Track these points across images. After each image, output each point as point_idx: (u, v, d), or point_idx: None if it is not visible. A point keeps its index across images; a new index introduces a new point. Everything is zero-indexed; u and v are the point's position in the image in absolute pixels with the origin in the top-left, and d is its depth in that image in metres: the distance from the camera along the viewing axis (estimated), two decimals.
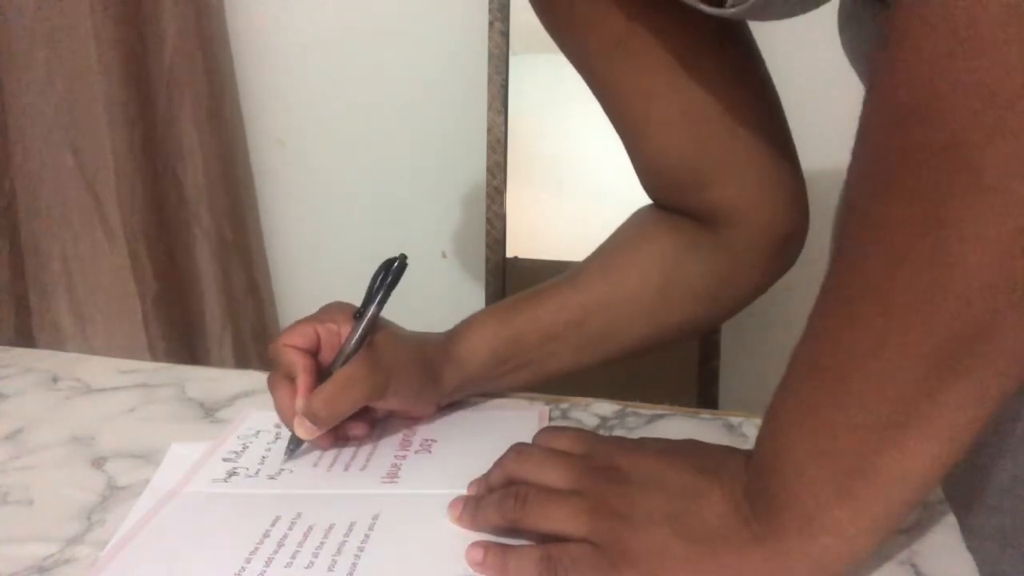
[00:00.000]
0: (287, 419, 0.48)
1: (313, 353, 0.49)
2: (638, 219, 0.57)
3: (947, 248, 0.28)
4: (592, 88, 0.51)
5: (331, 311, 0.51)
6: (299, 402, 0.47)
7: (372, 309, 0.48)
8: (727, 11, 0.39)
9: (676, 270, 0.54)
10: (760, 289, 0.55)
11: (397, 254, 0.49)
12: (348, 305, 0.51)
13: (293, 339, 0.49)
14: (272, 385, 0.49)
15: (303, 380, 0.47)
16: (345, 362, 0.48)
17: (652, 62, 0.47)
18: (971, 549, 0.40)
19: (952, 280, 0.28)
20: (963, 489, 0.46)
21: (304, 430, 0.47)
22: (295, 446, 0.49)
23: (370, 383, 0.47)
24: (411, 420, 0.53)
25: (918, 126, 0.28)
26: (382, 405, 0.50)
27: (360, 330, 0.48)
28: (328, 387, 0.47)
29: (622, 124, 0.52)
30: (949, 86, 0.26)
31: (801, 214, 0.53)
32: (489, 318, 0.55)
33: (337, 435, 0.50)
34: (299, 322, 0.50)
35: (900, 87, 0.28)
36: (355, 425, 0.50)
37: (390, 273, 0.48)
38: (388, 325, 0.51)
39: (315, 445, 0.50)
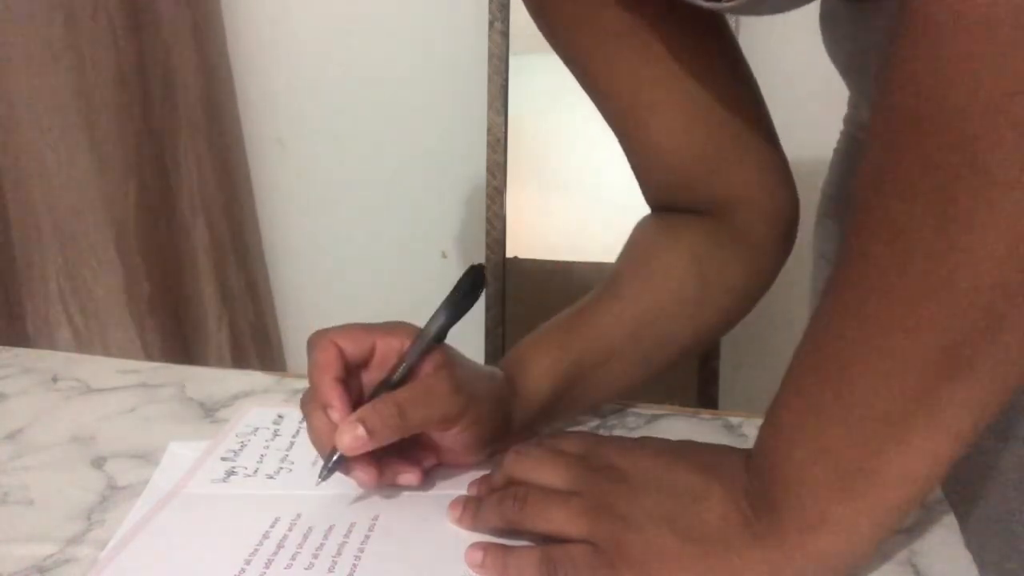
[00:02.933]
0: (323, 446, 0.42)
1: (358, 365, 0.43)
2: (651, 228, 0.55)
3: (957, 245, 0.28)
4: (590, 87, 0.51)
5: (395, 327, 0.44)
6: (335, 416, 0.41)
7: (442, 320, 0.42)
8: (725, 6, 0.39)
9: (709, 268, 0.52)
10: (774, 275, 0.55)
11: (475, 264, 0.44)
12: (412, 326, 0.44)
13: (343, 341, 0.42)
14: (306, 407, 0.43)
15: (339, 407, 0.41)
16: (403, 376, 0.41)
17: (649, 53, 0.47)
18: (969, 545, 0.40)
19: (961, 278, 0.28)
20: (962, 484, 0.46)
21: (350, 439, 0.39)
22: (333, 467, 0.41)
23: (450, 402, 0.41)
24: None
25: (931, 125, 0.28)
26: (448, 437, 0.43)
27: (426, 337, 0.42)
28: (403, 394, 0.40)
29: (622, 121, 0.51)
30: (963, 87, 0.26)
31: (795, 198, 0.53)
32: (546, 345, 0.50)
33: (384, 473, 0.42)
34: (358, 327, 0.43)
35: (912, 86, 0.28)
36: (406, 468, 0.43)
37: (462, 285, 0.42)
38: (454, 352, 0.44)
39: (356, 480, 0.42)
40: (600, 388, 0.51)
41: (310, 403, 0.42)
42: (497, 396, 0.45)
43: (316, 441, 0.42)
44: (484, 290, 0.43)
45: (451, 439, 0.43)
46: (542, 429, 0.50)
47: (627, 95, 0.50)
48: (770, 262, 0.54)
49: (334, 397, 0.41)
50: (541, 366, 0.48)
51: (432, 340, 0.42)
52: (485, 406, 0.43)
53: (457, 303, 0.42)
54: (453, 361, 0.43)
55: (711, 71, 0.48)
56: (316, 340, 0.42)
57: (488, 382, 0.45)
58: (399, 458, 0.43)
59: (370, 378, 0.43)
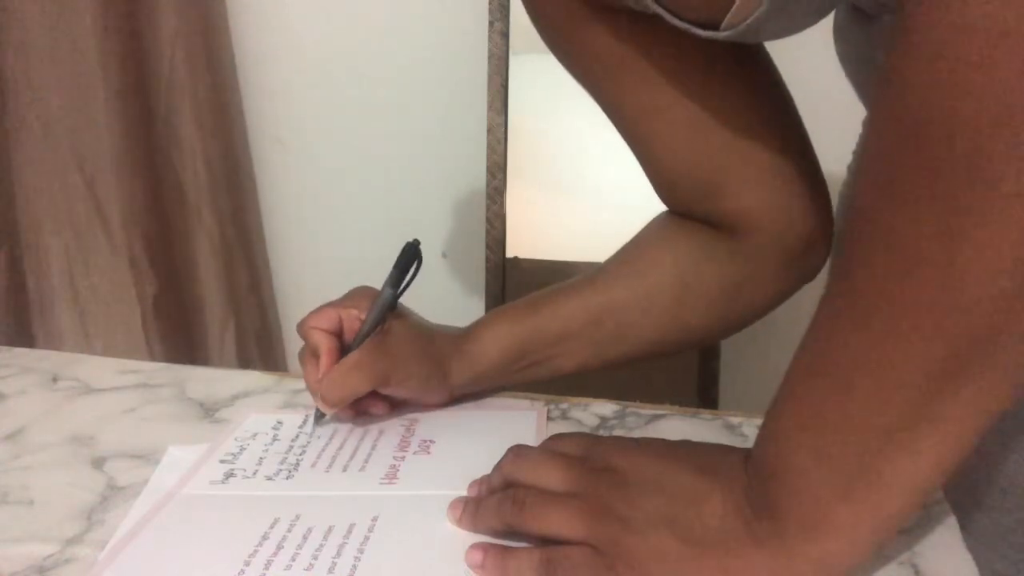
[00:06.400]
0: (312, 392, 0.51)
1: (337, 334, 0.52)
2: (657, 224, 0.57)
3: (961, 255, 0.28)
4: (598, 104, 0.52)
5: (355, 296, 0.53)
6: (323, 365, 0.50)
7: (384, 293, 0.50)
8: (720, 34, 0.39)
9: (693, 275, 0.54)
10: (782, 296, 0.55)
11: (411, 240, 0.51)
12: (372, 290, 0.53)
13: (317, 321, 0.52)
14: (301, 361, 0.53)
15: (324, 361, 0.50)
16: (358, 345, 0.50)
17: (655, 79, 0.47)
18: (970, 548, 0.40)
19: (964, 286, 0.28)
20: (962, 488, 0.46)
21: (322, 406, 0.50)
22: (320, 416, 0.53)
23: (372, 371, 0.49)
24: (411, 419, 0.54)
25: (935, 135, 0.27)
26: (388, 392, 0.52)
27: (372, 315, 0.50)
28: (334, 372, 0.49)
29: (631, 139, 0.52)
30: (969, 97, 0.26)
31: (821, 221, 0.53)
32: (504, 316, 0.56)
33: (357, 410, 0.53)
34: (324, 306, 0.53)
35: (916, 95, 0.28)
36: (374, 403, 0.53)
37: (403, 258, 0.50)
38: (407, 314, 0.53)
39: (337, 418, 0.53)
40: (553, 363, 0.55)
41: (303, 356, 0.52)
42: (431, 355, 0.52)
43: (309, 388, 0.52)
44: (421, 263, 0.51)
45: (391, 392, 0.52)
46: (490, 387, 0.56)
47: (631, 120, 0.51)
48: (773, 283, 0.54)
49: (322, 348, 0.50)
50: (494, 333, 0.54)
51: (379, 312, 0.50)
52: (414, 366, 0.51)
53: (397, 279, 0.50)
54: (387, 333, 0.51)
55: (721, 96, 0.48)
56: (298, 326, 0.52)
57: (425, 343, 0.52)
58: (372, 396, 0.52)
59: (347, 339, 0.52)
